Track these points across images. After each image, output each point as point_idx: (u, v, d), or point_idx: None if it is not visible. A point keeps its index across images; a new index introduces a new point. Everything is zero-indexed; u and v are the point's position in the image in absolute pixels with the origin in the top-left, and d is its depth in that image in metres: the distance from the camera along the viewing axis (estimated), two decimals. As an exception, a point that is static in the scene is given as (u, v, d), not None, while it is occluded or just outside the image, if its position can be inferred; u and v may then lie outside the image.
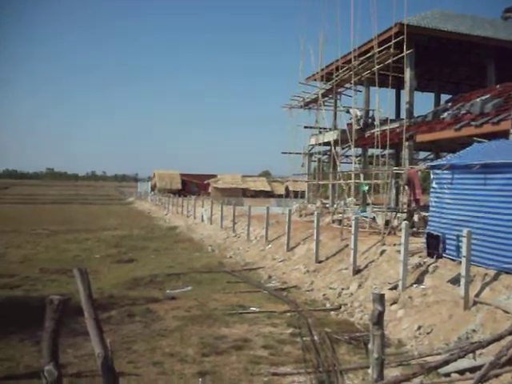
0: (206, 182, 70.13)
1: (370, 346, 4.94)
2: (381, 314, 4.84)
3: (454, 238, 10.99)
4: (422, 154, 31.56)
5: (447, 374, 7.56)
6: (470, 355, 7.94)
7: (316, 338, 9.29)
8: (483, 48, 22.42)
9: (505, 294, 9.31)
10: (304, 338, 9.32)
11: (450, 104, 21.86)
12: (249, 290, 13.51)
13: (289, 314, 11.16)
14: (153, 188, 77.13)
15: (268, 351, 8.71)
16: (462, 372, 7.47)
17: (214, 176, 71.90)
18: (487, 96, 18.22)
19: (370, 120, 24.65)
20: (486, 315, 8.93)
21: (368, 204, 20.05)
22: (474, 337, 8.47)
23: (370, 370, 4.92)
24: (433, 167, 12.62)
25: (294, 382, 7.46)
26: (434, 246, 11.47)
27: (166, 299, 12.44)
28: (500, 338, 5.53)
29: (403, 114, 22.43)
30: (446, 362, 5.20)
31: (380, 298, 4.90)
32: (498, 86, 20.19)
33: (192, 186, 72.34)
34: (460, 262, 9.85)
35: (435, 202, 12.27)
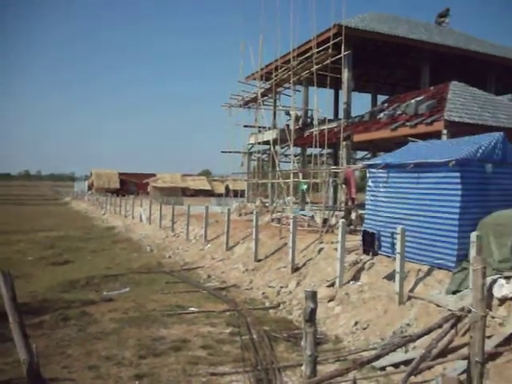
0: (145, 182, 69.04)
1: (302, 343, 4.96)
2: (313, 312, 4.87)
3: (389, 235, 11.27)
4: (360, 154, 32.32)
5: (383, 368, 7.74)
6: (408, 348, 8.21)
7: (255, 336, 9.28)
8: (418, 51, 23.16)
9: (437, 288, 9.63)
10: (243, 337, 9.29)
11: (386, 105, 22.42)
12: (188, 290, 13.36)
13: (228, 313, 11.11)
14: (90, 187, 75.26)
15: (207, 351, 8.63)
16: (396, 365, 7.67)
17: (153, 175, 70.94)
18: (421, 97, 18.80)
19: (308, 120, 24.97)
20: (419, 309, 9.21)
21: (307, 203, 20.30)
22: (408, 331, 8.71)
23: (303, 367, 4.94)
24: (369, 166, 12.88)
25: (232, 381, 7.42)
26: (370, 243, 11.72)
27: (103, 301, 12.12)
28: (430, 331, 5.69)
29: (341, 114, 22.82)
30: (378, 357, 5.29)
31: (312, 296, 4.93)
32: (431, 88, 20.87)
33: (131, 186, 71.02)
34: (395, 259, 10.10)
35: (371, 200, 12.54)
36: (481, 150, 10.39)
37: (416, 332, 7.59)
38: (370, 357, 5.33)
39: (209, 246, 19.40)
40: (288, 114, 25.14)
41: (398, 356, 7.95)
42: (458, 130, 15.33)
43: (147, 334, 9.50)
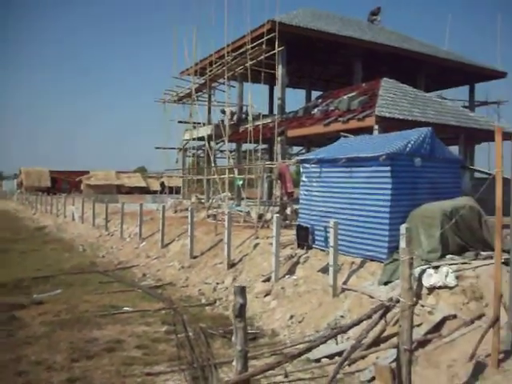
0: (78, 179, 67.08)
1: (233, 338, 4.92)
2: (242, 307, 4.85)
3: (323, 229, 11.43)
4: (296, 149, 32.63)
5: (317, 360, 7.84)
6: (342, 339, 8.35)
7: (191, 334, 9.18)
8: (351, 48, 23.55)
9: (370, 280, 9.85)
10: (179, 335, 9.16)
11: (319, 100, 22.73)
12: (122, 290, 13.06)
13: (163, 311, 10.94)
14: (19, 186, 72.40)
15: (142, 351, 8.45)
16: (331, 357, 7.79)
17: (86, 172, 68.98)
18: (354, 93, 19.17)
19: (243, 115, 24.96)
20: (353, 301, 9.39)
21: (242, 198, 20.29)
22: (342, 322, 8.85)
23: (234, 363, 4.91)
24: (302, 161, 13.01)
25: (168, 380, 7.31)
26: (304, 237, 11.84)
27: (33, 304, 11.61)
28: (360, 322, 5.79)
29: (276, 110, 22.93)
30: (309, 349, 5.32)
31: (241, 291, 4.91)
32: (363, 84, 21.31)
33: (63, 184, 68.89)
34: (329, 252, 10.24)
35: (305, 194, 12.67)
36: (410, 145, 10.69)
37: (346, 323, 7.72)
38: (300, 350, 5.36)
39: (144, 244, 19.08)
40: (223, 112, 25.02)
41: (333, 347, 8.08)
42: (389, 125, 15.74)
43: (80, 337, 9.19)
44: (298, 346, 8.17)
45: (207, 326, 9.77)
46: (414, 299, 8.53)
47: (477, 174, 17.44)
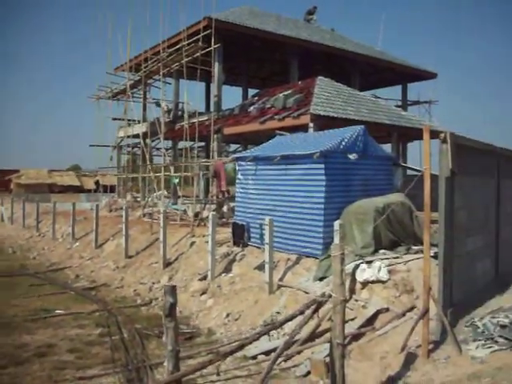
0: (7, 178, 64.42)
1: (164, 338, 4.83)
2: (172, 306, 4.76)
3: (258, 226, 11.46)
4: (234, 147, 32.58)
5: (254, 357, 7.84)
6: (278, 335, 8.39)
7: (126, 335, 8.98)
8: (287, 46, 23.68)
9: (305, 276, 9.96)
10: (113, 337, 8.93)
11: (256, 98, 22.77)
12: (54, 292, 12.61)
13: (97, 313, 10.66)
14: None
15: (74, 355, 8.19)
16: (267, 353, 7.81)
17: (16, 171, 66.37)
18: (289, 91, 19.31)
19: (179, 112, 24.69)
20: (288, 297, 9.46)
21: (179, 196, 20.08)
22: (278, 319, 8.88)
23: (165, 363, 4.82)
24: (238, 159, 13.00)
25: (101, 383, 7.11)
26: (240, 235, 11.84)
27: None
28: (292, 317, 5.82)
29: (213, 107, 22.78)
30: (241, 347, 5.30)
31: (171, 290, 4.83)
32: (299, 83, 21.50)
33: (-9, 183, 65.96)
34: (265, 250, 10.27)
35: (240, 192, 12.67)
36: (344, 143, 10.89)
37: (279, 320, 7.76)
38: (232, 347, 5.32)
39: (77, 244, 18.54)
40: (158, 105, 24.63)
41: (269, 344, 8.10)
42: (324, 123, 15.95)
43: (8, 342, 8.80)
44: (233, 344, 8.18)
45: (142, 326, 9.59)
46: (348, 294, 8.73)
47: (409, 171, 17.95)
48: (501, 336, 6.54)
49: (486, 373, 5.58)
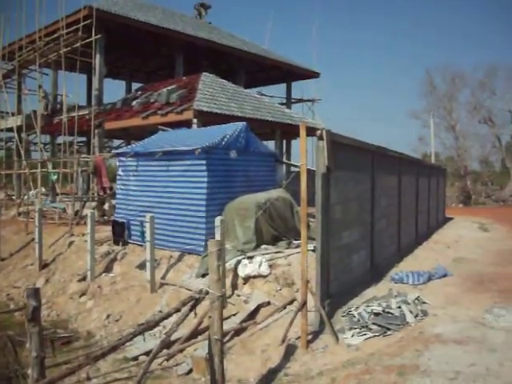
0: None
1: (27, 345, 4.54)
2: (36, 310, 4.50)
3: (140, 223, 11.20)
4: (118, 142, 31.57)
5: (135, 358, 7.64)
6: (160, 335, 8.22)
7: (-4, 343, 8.38)
8: (173, 40, 23.28)
9: (188, 273, 9.91)
10: (-19, 346, 8.30)
11: (139, 93, 22.21)
12: None
13: (-36, 322, 9.85)
14: None
15: None
16: (148, 354, 7.61)
17: None
18: (173, 86, 19.05)
19: (58, 105, 23.45)
20: (171, 295, 9.36)
21: (57, 194, 19.09)
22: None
23: (29, 371, 4.54)
24: (118, 155, 12.63)
25: (-35, 399, 6.58)
26: (120, 233, 11.50)
27: None
28: (168, 315, 5.73)
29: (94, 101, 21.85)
30: (113, 348, 5.12)
31: (34, 293, 4.57)
32: (184, 78, 21.28)
33: None
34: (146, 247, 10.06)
35: (121, 189, 12.32)
36: (226, 139, 10.93)
37: (154, 319, 7.62)
38: (104, 350, 5.12)
39: None
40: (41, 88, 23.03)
41: (150, 344, 7.92)
42: (208, 119, 15.90)
43: None
44: (105, 347, 7.89)
45: (16, 333, 8.97)
46: (230, 290, 8.80)
47: (293, 168, 18.40)
48: (374, 323, 6.90)
49: (360, 359, 5.84)
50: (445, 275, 9.99)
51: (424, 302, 7.90)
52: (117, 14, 21.07)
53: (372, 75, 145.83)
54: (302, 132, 6.66)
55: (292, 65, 29.53)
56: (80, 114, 19.64)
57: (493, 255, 12.93)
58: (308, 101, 31.42)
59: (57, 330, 9.52)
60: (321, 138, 6.95)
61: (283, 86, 31.05)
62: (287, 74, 29.78)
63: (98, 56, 20.48)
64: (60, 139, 22.73)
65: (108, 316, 9.52)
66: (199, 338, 7.70)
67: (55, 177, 18.29)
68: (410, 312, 7.24)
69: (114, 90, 76.92)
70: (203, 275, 9.40)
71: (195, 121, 15.77)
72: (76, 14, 20.00)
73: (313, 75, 30.92)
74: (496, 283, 9.42)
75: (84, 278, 11.10)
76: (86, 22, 18.73)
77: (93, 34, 18.76)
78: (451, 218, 23.00)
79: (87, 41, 19.12)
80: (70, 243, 12.96)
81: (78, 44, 19.19)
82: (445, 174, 25.58)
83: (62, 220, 15.80)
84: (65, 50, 19.42)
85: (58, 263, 12.41)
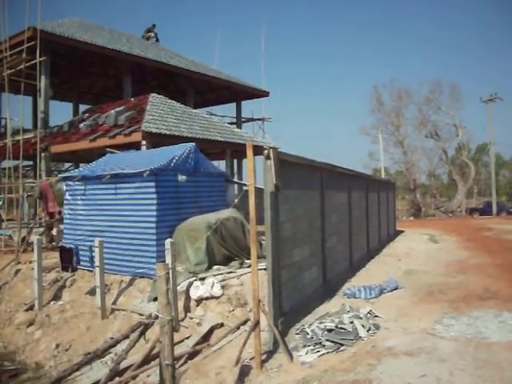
0: None
1: None
2: None
3: (88, 249, 10.94)
4: (67, 165, 30.93)
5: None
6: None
7: None
8: (120, 61, 23.09)
9: (139, 297, 9.73)
10: None
11: (87, 115, 21.87)
12: None
13: None
14: None
15: None
16: (98, 383, 7.41)
17: None
18: (122, 108, 18.83)
19: (2, 129, 22.85)
20: (122, 321, 9.14)
21: (3, 220, 18.48)
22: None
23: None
24: (65, 179, 12.35)
25: None
26: (68, 259, 11.16)
27: None
28: (116, 343, 5.60)
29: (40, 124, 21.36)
30: (58, 380, 4.96)
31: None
32: (132, 99, 21.07)
33: None
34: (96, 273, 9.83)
35: (69, 213, 12.04)
36: (175, 160, 10.87)
37: (102, 347, 7.43)
38: (50, 381, 4.96)
39: None
40: None
41: (101, 373, 7.71)
42: (157, 140, 15.79)
43: None
44: (45, 380, 7.65)
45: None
46: (183, 312, 8.67)
47: (245, 187, 18.40)
48: (328, 340, 6.94)
49: (314, 377, 5.85)
50: (396, 288, 10.18)
51: (376, 316, 8.02)
52: (62, 35, 20.75)
53: (322, 92, 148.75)
54: (249, 152, 6.67)
55: (241, 84, 29.73)
56: (25, 137, 19.14)
57: (442, 266, 13.26)
58: (258, 120, 31.67)
59: (4, 362, 9.17)
60: (268, 157, 6.98)
61: (234, 105, 31.23)
62: (236, 93, 29.98)
63: (43, 78, 20.13)
64: (5, 163, 22.09)
65: (57, 346, 9.20)
66: (152, 363, 7.53)
67: (0, 202, 17.73)
68: (363, 326, 7.32)
69: (61, 113, 75.59)
70: (155, 299, 9.24)
71: (144, 142, 15.61)
72: (20, 35, 19.60)
73: (262, 94, 31.19)
74: (446, 294, 9.67)
75: (31, 308, 10.72)
76: (30, 44, 18.35)
77: (37, 55, 18.39)
78: (402, 231, 23.51)
79: (32, 62, 18.70)
80: (17, 271, 12.51)
81: (22, 66, 18.76)
82: (394, 188, 26.15)
83: (8, 247, 15.29)
84: (8, 72, 18.93)
85: (3, 293, 11.94)
